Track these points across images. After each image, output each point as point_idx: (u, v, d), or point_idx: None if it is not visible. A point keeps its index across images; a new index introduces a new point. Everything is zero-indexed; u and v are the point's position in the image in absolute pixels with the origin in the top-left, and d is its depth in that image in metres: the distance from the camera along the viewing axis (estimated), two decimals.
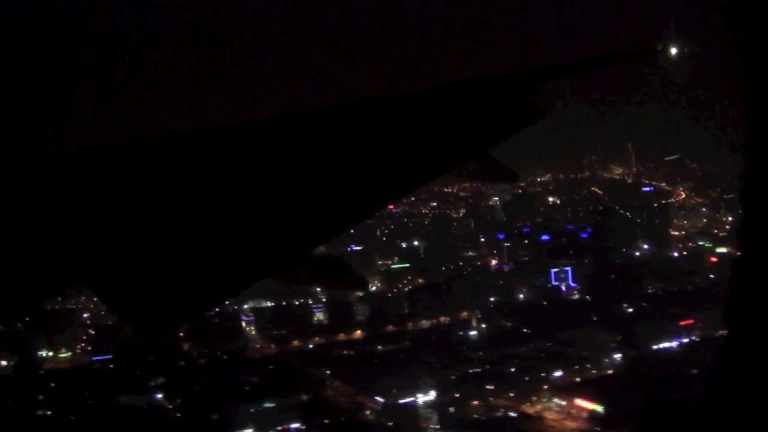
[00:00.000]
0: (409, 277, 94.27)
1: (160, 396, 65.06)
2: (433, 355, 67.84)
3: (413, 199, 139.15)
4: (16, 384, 69.45)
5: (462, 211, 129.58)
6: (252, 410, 59.05)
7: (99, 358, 76.53)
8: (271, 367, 67.25)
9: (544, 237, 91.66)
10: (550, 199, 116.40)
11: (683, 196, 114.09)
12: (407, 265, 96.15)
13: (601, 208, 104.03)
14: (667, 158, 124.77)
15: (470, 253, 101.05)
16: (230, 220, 2.67)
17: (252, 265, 2.51)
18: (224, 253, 2.50)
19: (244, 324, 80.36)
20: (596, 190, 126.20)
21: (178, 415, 61.90)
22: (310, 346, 76.68)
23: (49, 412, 62.50)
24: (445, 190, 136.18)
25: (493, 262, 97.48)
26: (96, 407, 63.87)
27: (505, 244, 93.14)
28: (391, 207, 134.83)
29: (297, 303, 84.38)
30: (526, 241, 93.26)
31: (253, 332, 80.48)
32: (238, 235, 2.61)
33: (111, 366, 75.93)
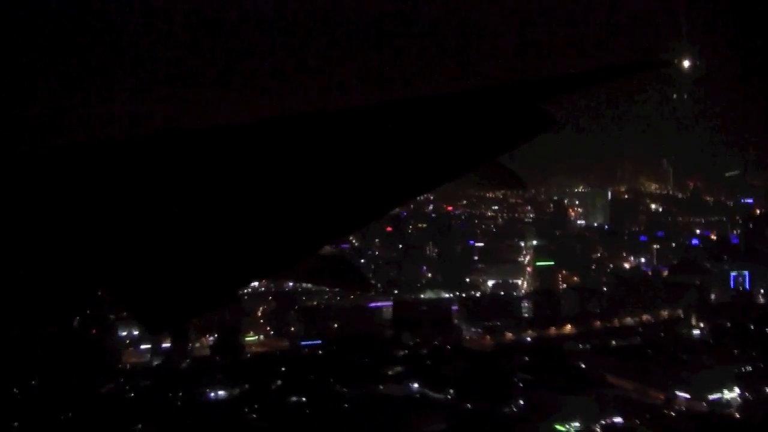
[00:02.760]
0: (560, 275, 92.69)
1: (415, 386, 60.31)
2: (681, 351, 66.41)
3: (464, 201, 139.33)
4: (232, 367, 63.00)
5: (531, 215, 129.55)
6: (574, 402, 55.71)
7: (307, 343, 70.48)
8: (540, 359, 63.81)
9: (694, 241, 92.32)
10: (653, 206, 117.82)
11: None
12: (552, 262, 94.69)
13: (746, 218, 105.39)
14: (728, 174, 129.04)
15: (598, 254, 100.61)
16: (233, 217, 2.61)
17: (254, 263, 2.47)
18: (226, 251, 2.45)
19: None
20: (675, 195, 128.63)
21: (469, 406, 57.61)
22: (528, 339, 73.59)
23: (303, 399, 56.86)
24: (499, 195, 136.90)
25: (627, 264, 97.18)
26: (360, 395, 58.63)
27: (655, 246, 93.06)
28: (449, 208, 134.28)
29: (502, 293, 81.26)
30: (674, 245, 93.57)
31: (457, 323, 76.41)
32: (240, 232, 2.56)
33: (320, 352, 70.31)
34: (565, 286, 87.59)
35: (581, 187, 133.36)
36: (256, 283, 79.75)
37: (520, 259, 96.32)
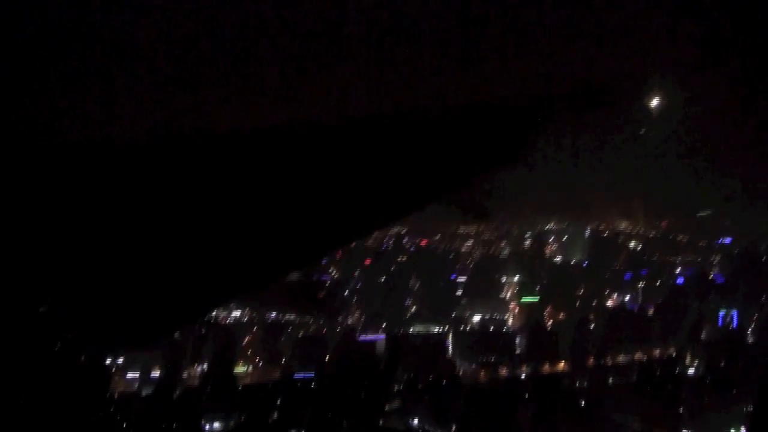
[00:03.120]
0: (547, 312, 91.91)
1: (416, 421, 58.60)
2: (681, 389, 65.89)
3: (438, 236, 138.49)
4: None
5: (506, 250, 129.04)
6: None
7: (301, 375, 68.24)
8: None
9: (679, 280, 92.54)
10: (631, 244, 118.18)
11: None
12: (537, 298, 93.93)
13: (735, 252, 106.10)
14: (700, 214, 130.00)
15: (581, 291, 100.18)
16: (201, 241, 2.76)
17: (224, 285, 2.60)
18: (195, 273, 2.62)
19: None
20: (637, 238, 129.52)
21: None
22: (523, 375, 72.33)
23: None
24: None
25: (610, 302, 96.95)
26: (362, 429, 56.78)
27: (640, 285, 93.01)
28: (424, 242, 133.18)
29: (492, 328, 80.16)
30: (658, 283, 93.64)
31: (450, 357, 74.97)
32: (210, 256, 2.73)
33: (313, 385, 68.08)
34: (551, 321, 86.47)
35: (552, 224, 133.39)
36: (238, 313, 77.04)
37: (502, 295, 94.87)
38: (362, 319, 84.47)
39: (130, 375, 62.52)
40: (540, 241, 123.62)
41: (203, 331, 67.34)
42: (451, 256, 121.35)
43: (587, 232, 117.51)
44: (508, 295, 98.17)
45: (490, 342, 74.30)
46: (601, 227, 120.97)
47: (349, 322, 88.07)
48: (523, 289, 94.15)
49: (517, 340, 75.17)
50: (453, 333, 75.22)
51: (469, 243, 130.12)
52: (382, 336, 73.12)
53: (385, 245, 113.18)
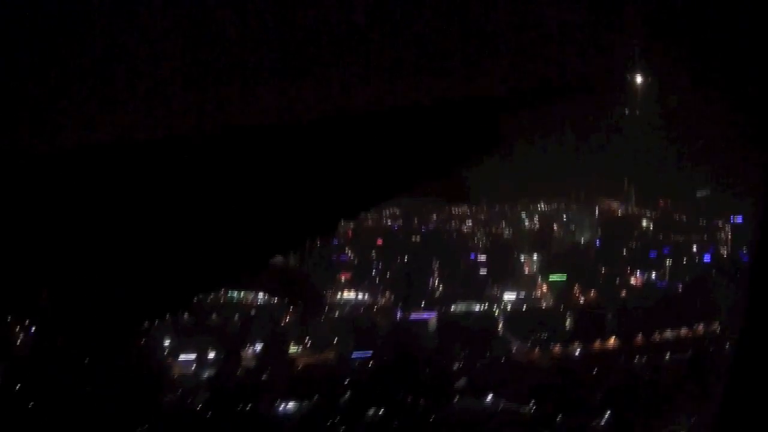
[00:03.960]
0: (575, 289, 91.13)
1: (489, 398, 57.20)
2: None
3: (435, 216, 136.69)
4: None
5: (508, 230, 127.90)
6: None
7: (359, 355, 66.23)
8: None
9: (706, 257, 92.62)
10: (644, 223, 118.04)
11: None
12: (565, 277, 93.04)
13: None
14: (699, 194, 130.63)
15: (603, 270, 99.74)
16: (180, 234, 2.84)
17: (203, 275, 2.70)
18: (174, 262, 2.73)
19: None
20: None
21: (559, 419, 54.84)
22: (576, 353, 71.32)
23: (381, 411, 53.29)
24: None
25: (633, 280, 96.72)
26: (442, 409, 55.14)
27: (667, 262, 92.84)
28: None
29: (529, 307, 78.78)
30: (684, 261, 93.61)
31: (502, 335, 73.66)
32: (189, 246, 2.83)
33: (371, 364, 66.13)
34: (583, 299, 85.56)
35: (554, 204, 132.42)
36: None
37: (527, 273, 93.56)
38: (392, 298, 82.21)
39: (182, 357, 59.19)
40: (544, 220, 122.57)
41: (252, 312, 64.46)
42: (454, 236, 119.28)
43: (596, 212, 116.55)
44: (532, 273, 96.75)
45: (534, 320, 72.63)
46: (615, 206, 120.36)
47: (382, 302, 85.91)
48: (550, 267, 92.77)
49: (565, 319, 73.46)
50: (497, 311, 73.18)
51: (469, 223, 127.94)
52: (432, 314, 70.94)
53: (396, 225, 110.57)
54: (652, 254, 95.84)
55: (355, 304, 79.58)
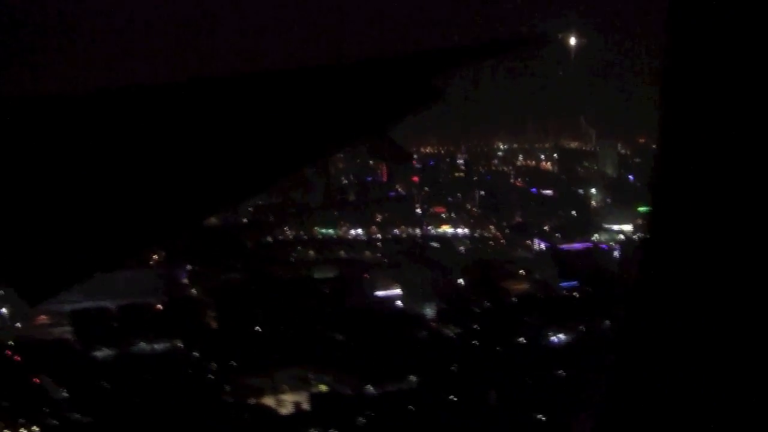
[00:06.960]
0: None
1: None
2: None
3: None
4: None
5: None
6: None
7: (566, 284, 62.87)
8: None
9: None
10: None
11: None
12: (648, 208, 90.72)
13: None
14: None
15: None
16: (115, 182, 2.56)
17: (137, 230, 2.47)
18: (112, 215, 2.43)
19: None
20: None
21: None
22: None
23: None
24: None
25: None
26: None
27: None
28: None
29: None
30: None
31: None
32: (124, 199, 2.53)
33: (576, 294, 61.93)
34: None
35: (573, 143, 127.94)
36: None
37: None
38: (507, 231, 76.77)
39: None
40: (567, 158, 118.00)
41: None
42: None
43: (618, 148, 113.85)
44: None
45: None
46: (642, 140, 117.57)
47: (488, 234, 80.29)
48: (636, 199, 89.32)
49: None
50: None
51: (495, 160, 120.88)
52: (582, 244, 66.43)
53: (432, 160, 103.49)
54: None
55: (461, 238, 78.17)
